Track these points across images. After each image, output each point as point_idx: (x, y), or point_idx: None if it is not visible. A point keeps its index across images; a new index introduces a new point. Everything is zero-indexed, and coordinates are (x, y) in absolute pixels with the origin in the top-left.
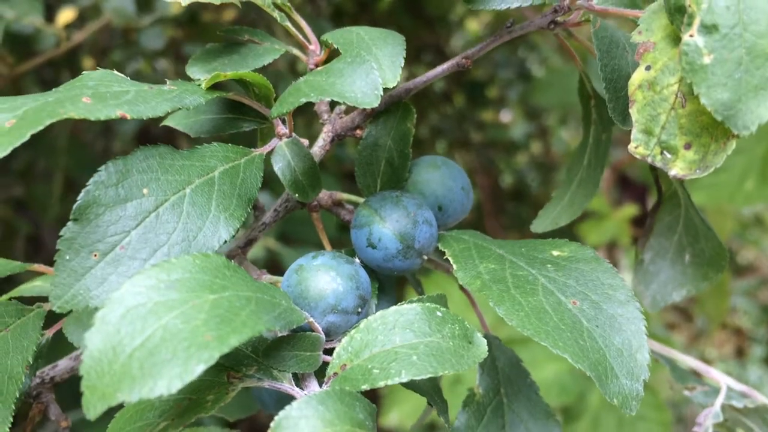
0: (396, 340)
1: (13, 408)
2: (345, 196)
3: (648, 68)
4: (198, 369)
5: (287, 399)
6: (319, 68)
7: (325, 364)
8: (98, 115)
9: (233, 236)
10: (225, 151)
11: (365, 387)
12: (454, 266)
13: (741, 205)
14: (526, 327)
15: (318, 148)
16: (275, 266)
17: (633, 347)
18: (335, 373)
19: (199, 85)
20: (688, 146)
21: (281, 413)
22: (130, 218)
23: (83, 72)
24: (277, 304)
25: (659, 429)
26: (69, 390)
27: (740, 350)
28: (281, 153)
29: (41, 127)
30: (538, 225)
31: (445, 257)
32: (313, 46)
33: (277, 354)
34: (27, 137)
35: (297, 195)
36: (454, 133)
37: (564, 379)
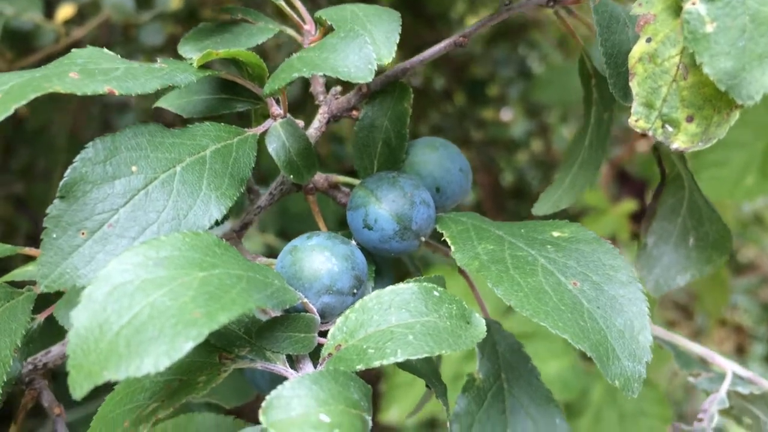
0: (392, 319)
1: (1, 392)
2: (341, 178)
3: (648, 40)
4: (186, 346)
5: (281, 381)
6: (312, 44)
7: (320, 346)
8: (85, 90)
9: (225, 215)
10: (217, 130)
11: (360, 367)
12: (452, 247)
13: (741, 199)
14: (524, 307)
15: (314, 130)
16: None
17: (635, 328)
18: (330, 354)
19: (191, 63)
20: (690, 119)
21: (273, 392)
22: (118, 196)
23: (73, 49)
24: (270, 284)
25: (660, 424)
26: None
27: (741, 348)
28: (275, 133)
29: (25, 101)
30: (539, 208)
31: (443, 239)
32: (308, 26)
33: (270, 335)
34: (11, 111)
35: (292, 176)
36: (454, 131)
37: (566, 376)
